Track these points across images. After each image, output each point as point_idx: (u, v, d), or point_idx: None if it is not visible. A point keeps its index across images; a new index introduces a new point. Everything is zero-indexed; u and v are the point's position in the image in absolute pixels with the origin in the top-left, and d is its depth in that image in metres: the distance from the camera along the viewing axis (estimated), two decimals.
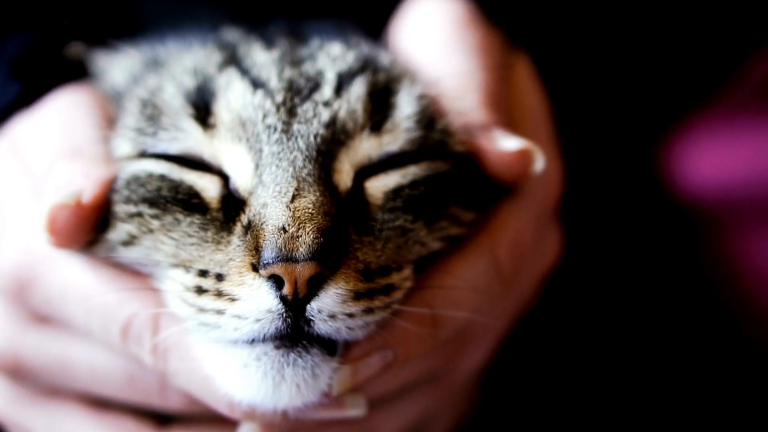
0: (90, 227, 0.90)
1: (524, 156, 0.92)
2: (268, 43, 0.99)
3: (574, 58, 1.12)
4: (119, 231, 0.91)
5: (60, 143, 0.95)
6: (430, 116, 0.94)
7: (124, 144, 0.94)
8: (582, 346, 1.21)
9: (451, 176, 0.93)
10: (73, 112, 0.98)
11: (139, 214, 0.90)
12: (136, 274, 0.92)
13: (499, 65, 0.99)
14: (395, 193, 0.90)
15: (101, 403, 0.96)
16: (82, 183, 0.91)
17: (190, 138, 0.91)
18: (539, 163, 0.93)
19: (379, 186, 0.91)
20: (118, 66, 1.02)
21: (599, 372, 1.20)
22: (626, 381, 1.19)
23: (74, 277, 0.93)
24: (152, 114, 0.93)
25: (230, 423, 0.91)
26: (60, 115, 0.98)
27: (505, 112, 0.96)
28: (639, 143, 1.23)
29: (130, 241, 0.91)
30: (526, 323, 1.04)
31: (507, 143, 0.93)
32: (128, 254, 0.91)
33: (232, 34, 1.02)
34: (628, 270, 1.30)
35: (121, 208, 0.91)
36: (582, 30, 1.15)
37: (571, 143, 1.05)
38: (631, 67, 1.17)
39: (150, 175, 0.91)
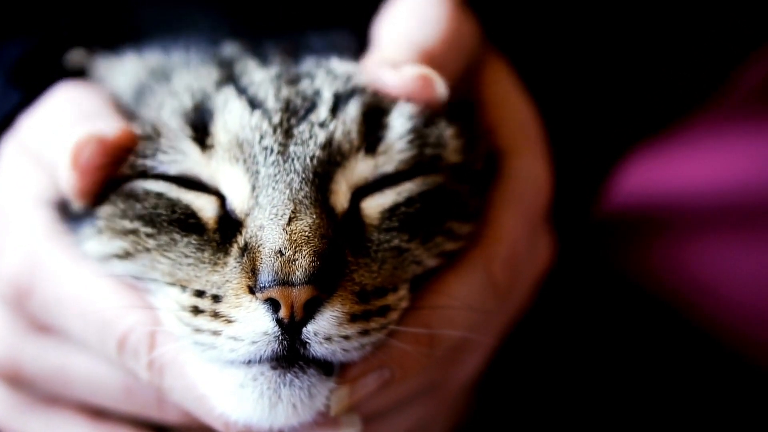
0: (110, 169, 0.91)
1: (425, 80, 0.92)
2: (263, 60, 0.98)
3: (558, 63, 1.12)
4: (113, 244, 0.91)
5: (71, 115, 0.95)
6: (423, 133, 0.92)
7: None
8: (576, 348, 1.22)
9: (445, 189, 0.92)
10: (81, 92, 0.98)
11: (135, 232, 0.90)
12: (132, 288, 0.92)
13: (459, 38, 0.98)
14: (391, 212, 0.90)
15: (100, 412, 0.97)
16: (103, 127, 0.91)
17: (189, 160, 0.91)
18: (440, 87, 0.92)
19: (375, 206, 0.90)
20: (120, 71, 1.01)
21: (593, 374, 1.20)
22: (620, 383, 1.20)
23: (72, 287, 0.93)
24: (151, 135, 0.91)
25: None
26: (67, 98, 0.98)
27: (450, 78, 0.95)
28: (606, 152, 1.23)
29: (124, 256, 0.91)
30: (521, 326, 1.04)
31: (406, 70, 0.92)
32: (123, 268, 0.91)
33: (229, 50, 1.01)
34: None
35: (116, 223, 0.91)
36: (568, 36, 1.14)
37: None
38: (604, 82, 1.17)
39: (147, 193, 0.91)
